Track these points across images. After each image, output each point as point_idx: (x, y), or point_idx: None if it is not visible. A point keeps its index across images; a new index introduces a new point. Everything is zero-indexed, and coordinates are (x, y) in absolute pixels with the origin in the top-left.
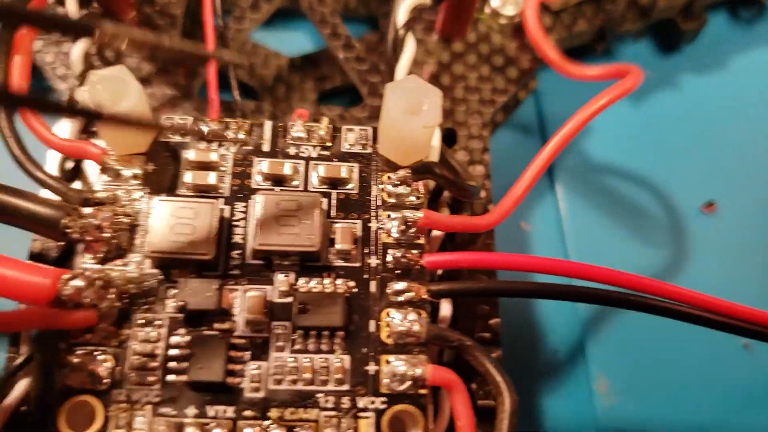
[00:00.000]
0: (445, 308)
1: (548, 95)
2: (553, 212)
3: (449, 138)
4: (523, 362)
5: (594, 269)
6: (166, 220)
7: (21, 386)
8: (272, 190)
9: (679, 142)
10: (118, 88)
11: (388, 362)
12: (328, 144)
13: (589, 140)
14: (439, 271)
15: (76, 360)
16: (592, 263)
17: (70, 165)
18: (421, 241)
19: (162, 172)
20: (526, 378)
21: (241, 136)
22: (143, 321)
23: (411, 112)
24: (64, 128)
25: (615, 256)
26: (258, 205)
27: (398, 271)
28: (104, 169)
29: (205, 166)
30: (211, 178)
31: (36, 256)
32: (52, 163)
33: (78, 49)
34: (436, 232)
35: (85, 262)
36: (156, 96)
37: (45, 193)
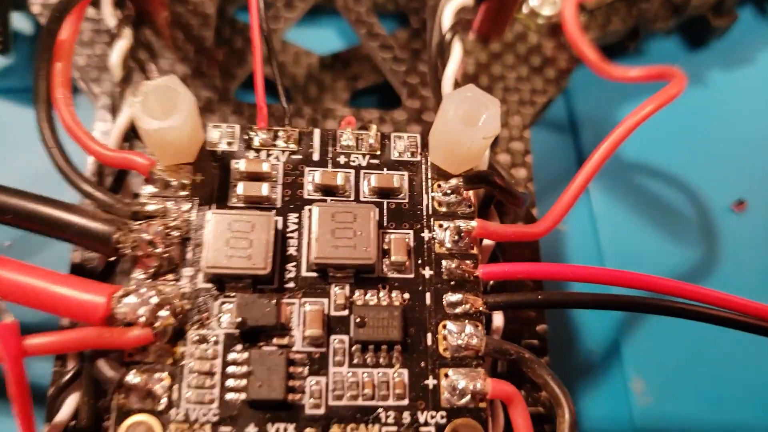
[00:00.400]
0: (498, 319)
1: (579, 93)
2: (587, 213)
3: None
4: (562, 363)
5: (638, 277)
6: (222, 234)
7: (71, 402)
8: (325, 200)
9: (709, 140)
10: (169, 99)
11: (446, 376)
12: (378, 152)
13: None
14: (490, 282)
15: (133, 380)
16: (624, 263)
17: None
18: (475, 251)
19: (210, 183)
20: (564, 379)
21: (292, 145)
22: (198, 338)
23: (468, 123)
24: (102, 133)
25: (647, 255)
26: (314, 216)
27: (453, 283)
28: (151, 180)
29: (257, 177)
30: (264, 189)
31: (77, 268)
32: (88, 172)
33: (118, 52)
34: (487, 241)
35: (137, 277)
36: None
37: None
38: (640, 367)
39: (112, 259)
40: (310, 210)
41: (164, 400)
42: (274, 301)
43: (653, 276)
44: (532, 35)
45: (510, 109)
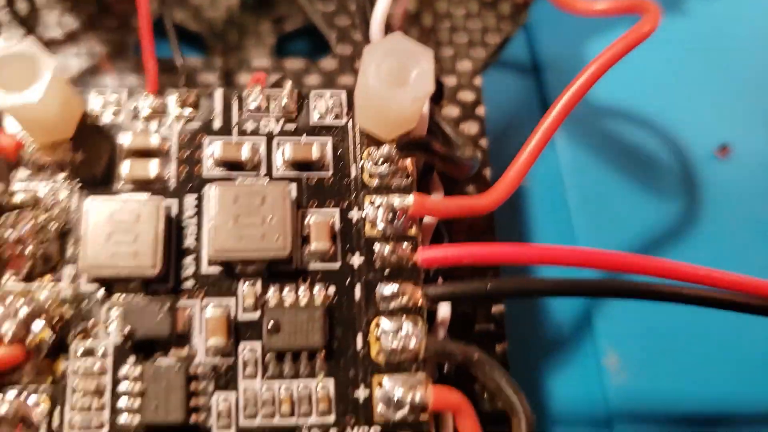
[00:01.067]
0: (444, 309)
1: (542, 30)
2: (553, 165)
3: (435, 91)
4: (530, 341)
5: (612, 256)
6: (102, 227)
7: None
8: (229, 179)
9: (689, 83)
10: (27, 69)
11: (380, 385)
12: (294, 115)
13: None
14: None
15: (2, 408)
16: (596, 220)
17: None
18: (413, 232)
19: (93, 161)
20: (534, 357)
21: (188, 110)
22: (83, 350)
23: (396, 82)
24: None
25: (621, 210)
26: (212, 200)
27: (387, 271)
28: (20, 163)
29: (145, 153)
30: (153, 167)
31: None
32: None
33: None
34: (428, 219)
35: (6, 282)
36: (83, 55)
37: None
38: (614, 342)
39: None
40: (208, 191)
41: (43, 429)
42: (167, 306)
43: (620, 253)
44: None
45: (458, 53)
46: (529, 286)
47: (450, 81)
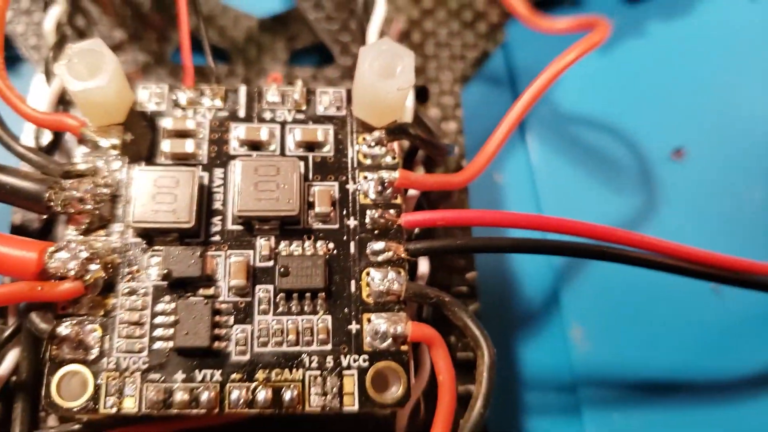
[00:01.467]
0: (423, 266)
1: (517, 47)
2: (525, 163)
3: (422, 95)
4: (499, 312)
5: (566, 222)
6: (147, 190)
7: (11, 357)
8: (250, 155)
9: (648, 90)
10: (94, 61)
11: (369, 321)
12: (303, 107)
13: (558, 90)
14: (417, 229)
15: (64, 331)
16: (563, 212)
17: (47, 137)
18: (398, 201)
19: (140, 142)
20: (503, 327)
21: (217, 102)
22: (128, 290)
23: (385, 75)
24: (39, 99)
25: (586, 204)
26: (237, 171)
27: (377, 232)
28: (83, 141)
29: (183, 134)
30: (189, 145)
31: (17, 229)
32: (27, 135)
33: (51, 19)
34: (412, 191)
35: (69, 234)
36: (129, 62)
37: (24, 167)
38: (579, 315)
39: (45, 217)
40: (234, 165)
41: (96, 350)
42: (198, 253)
43: (558, 218)
44: None
45: (441, 65)
46: (491, 242)
47: (434, 88)
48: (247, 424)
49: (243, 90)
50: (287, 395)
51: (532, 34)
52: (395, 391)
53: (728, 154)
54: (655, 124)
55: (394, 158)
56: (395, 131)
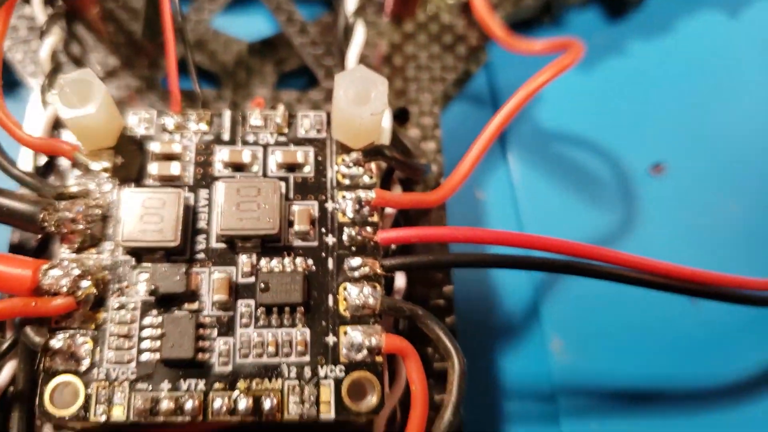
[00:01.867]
0: (400, 280)
1: (499, 67)
2: (506, 180)
3: (402, 116)
4: (478, 325)
5: (536, 239)
6: (136, 210)
7: (9, 369)
8: (233, 177)
9: (628, 107)
10: (84, 90)
11: (345, 333)
12: (285, 130)
13: (540, 108)
14: (394, 246)
15: (57, 344)
16: (544, 228)
17: (43, 159)
18: (375, 218)
19: (130, 164)
20: (482, 339)
21: (203, 126)
22: (118, 305)
23: (358, 101)
24: (36, 123)
25: (567, 220)
26: (220, 192)
27: (354, 248)
28: (75, 164)
29: (169, 157)
30: (175, 168)
31: (15, 247)
32: (25, 158)
33: (46, 48)
34: (389, 210)
35: (62, 252)
36: (122, 87)
37: (21, 189)
38: (558, 327)
39: (39, 237)
40: (217, 186)
41: (86, 361)
42: (183, 270)
43: (547, 237)
44: (445, 15)
45: (421, 87)
46: (460, 258)
47: (414, 109)
48: None
49: (227, 114)
50: (267, 404)
51: (514, 55)
52: (370, 400)
53: (706, 169)
54: (635, 140)
55: (371, 178)
56: (372, 152)
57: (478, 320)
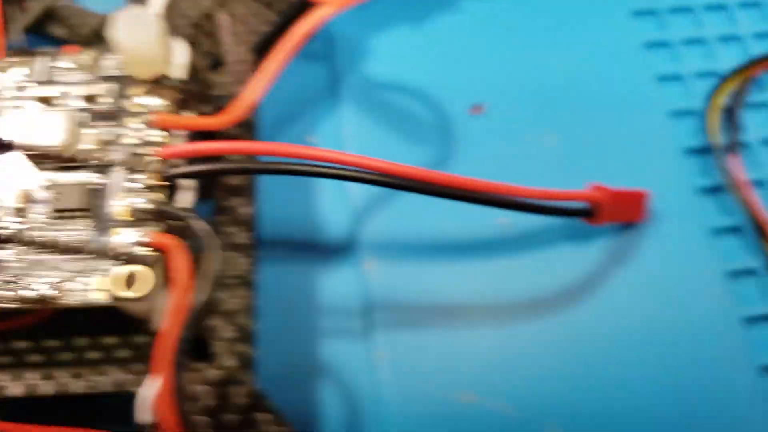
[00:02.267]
0: (187, 197)
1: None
2: (335, 130)
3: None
4: (287, 251)
5: (335, 155)
6: None
7: None
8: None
9: (448, 51)
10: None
11: (119, 234)
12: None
13: (371, 59)
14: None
15: None
16: None
17: None
18: (159, 138)
19: None
20: (292, 264)
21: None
22: None
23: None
24: None
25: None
26: None
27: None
28: None
29: None
30: None
31: None
32: None
33: None
34: (179, 133)
35: None
36: None
37: None
38: (374, 248)
39: None
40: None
41: None
42: None
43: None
44: None
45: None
46: (261, 167)
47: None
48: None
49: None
50: (48, 293)
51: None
52: (140, 287)
53: (523, 107)
54: (456, 83)
55: (161, 105)
56: (160, 82)
57: (285, 247)
